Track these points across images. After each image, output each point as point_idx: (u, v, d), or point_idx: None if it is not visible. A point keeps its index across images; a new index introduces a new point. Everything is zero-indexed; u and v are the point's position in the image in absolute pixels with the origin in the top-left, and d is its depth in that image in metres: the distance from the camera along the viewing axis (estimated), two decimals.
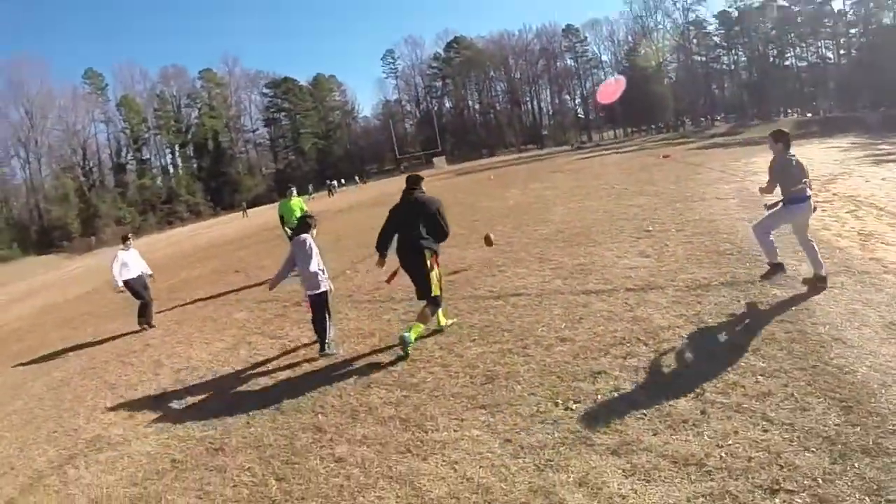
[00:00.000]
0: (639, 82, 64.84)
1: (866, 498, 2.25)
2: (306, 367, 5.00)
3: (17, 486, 3.87)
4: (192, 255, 18.94)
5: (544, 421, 3.28)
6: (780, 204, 4.90)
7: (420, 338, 4.96)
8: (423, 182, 5.27)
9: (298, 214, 8.91)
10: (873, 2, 53.90)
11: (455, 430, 3.38)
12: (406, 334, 4.71)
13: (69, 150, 60.43)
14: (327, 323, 5.17)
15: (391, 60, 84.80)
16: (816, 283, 4.69)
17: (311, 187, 52.19)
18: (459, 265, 7.83)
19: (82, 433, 4.57)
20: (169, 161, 74.10)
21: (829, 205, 8.23)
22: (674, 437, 2.89)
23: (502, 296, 6.04)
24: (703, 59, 72.36)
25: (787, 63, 66.43)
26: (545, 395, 3.60)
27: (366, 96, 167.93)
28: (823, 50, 64.40)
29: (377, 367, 4.66)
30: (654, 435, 2.93)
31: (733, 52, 71.26)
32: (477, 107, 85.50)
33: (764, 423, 2.87)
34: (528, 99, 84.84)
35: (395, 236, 5.08)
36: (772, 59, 66.61)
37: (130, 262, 7.93)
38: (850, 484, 2.34)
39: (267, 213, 34.77)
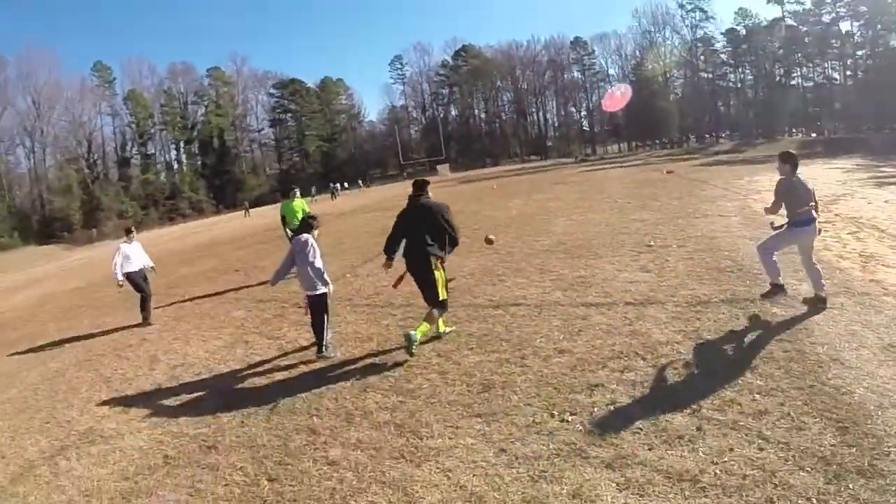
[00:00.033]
0: (645, 97, 65.26)
1: None
2: (303, 369, 4.99)
3: (8, 474, 3.86)
4: (193, 252, 18.94)
5: (540, 432, 3.27)
6: (786, 225, 4.91)
7: (422, 342, 4.96)
8: (430, 186, 5.30)
9: (300, 216, 8.93)
10: (881, 24, 54.24)
11: (450, 438, 3.37)
12: (413, 332, 4.76)
13: (74, 141, 60.49)
14: (325, 325, 5.16)
15: (399, 66, 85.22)
16: (816, 303, 4.70)
17: (314, 189, 52.16)
18: (459, 273, 7.83)
19: (75, 425, 4.56)
20: (173, 157, 74.37)
21: (832, 225, 8.25)
22: (669, 452, 2.88)
23: (501, 305, 6.05)
24: (710, 76, 72.54)
25: (793, 83, 66.67)
26: (541, 405, 3.59)
27: (372, 101, 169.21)
28: (830, 71, 64.64)
29: (374, 371, 4.66)
30: (650, 449, 2.92)
31: (740, 70, 71.41)
32: (483, 116, 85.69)
33: (759, 441, 2.86)
34: (533, 110, 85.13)
35: (403, 241, 5.10)
36: (778, 78, 66.86)
37: (133, 254, 7.96)
38: None
39: (269, 214, 34.82)
